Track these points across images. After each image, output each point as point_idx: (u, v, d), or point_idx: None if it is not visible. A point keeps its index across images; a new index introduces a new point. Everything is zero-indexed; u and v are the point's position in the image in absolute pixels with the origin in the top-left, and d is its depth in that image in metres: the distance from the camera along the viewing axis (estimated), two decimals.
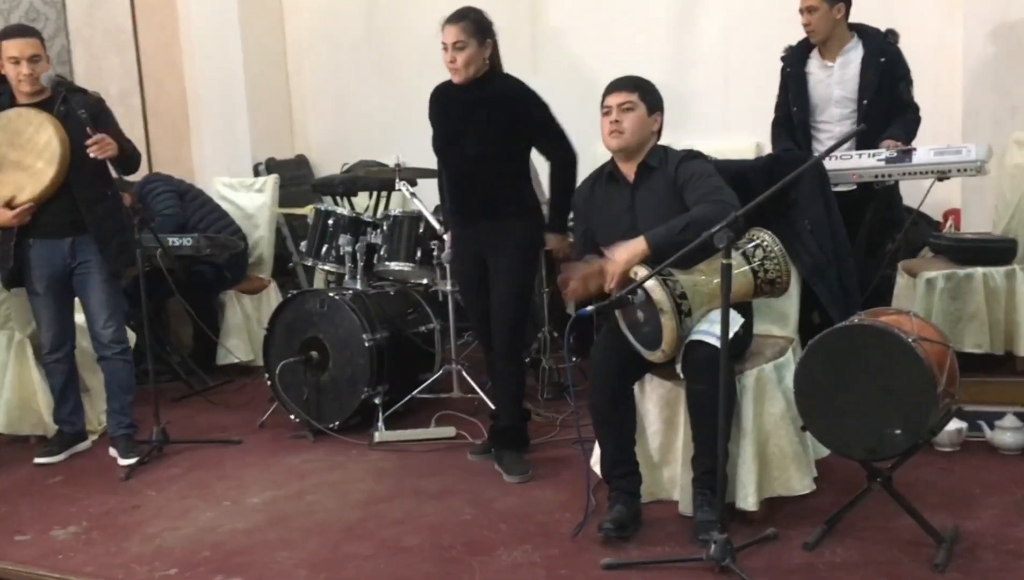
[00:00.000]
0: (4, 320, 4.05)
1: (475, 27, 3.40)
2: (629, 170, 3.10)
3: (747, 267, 2.88)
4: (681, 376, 2.88)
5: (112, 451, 3.87)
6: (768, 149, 4.87)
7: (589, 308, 2.72)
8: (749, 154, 5.20)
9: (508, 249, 3.46)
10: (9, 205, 3.59)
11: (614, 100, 3.05)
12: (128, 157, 3.74)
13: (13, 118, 3.63)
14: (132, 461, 3.75)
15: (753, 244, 2.93)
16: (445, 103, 3.58)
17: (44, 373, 3.98)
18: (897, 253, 4.09)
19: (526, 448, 3.59)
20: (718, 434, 2.61)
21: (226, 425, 4.19)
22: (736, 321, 2.78)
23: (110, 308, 3.76)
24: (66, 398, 3.88)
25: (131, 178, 4.03)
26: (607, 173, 3.17)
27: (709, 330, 2.76)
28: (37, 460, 3.83)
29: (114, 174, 3.78)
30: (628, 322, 2.90)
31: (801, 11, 3.94)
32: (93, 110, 3.64)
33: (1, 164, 3.61)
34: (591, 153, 5.51)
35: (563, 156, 3.55)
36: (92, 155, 3.55)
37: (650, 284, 2.73)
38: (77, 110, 3.57)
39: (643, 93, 3.06)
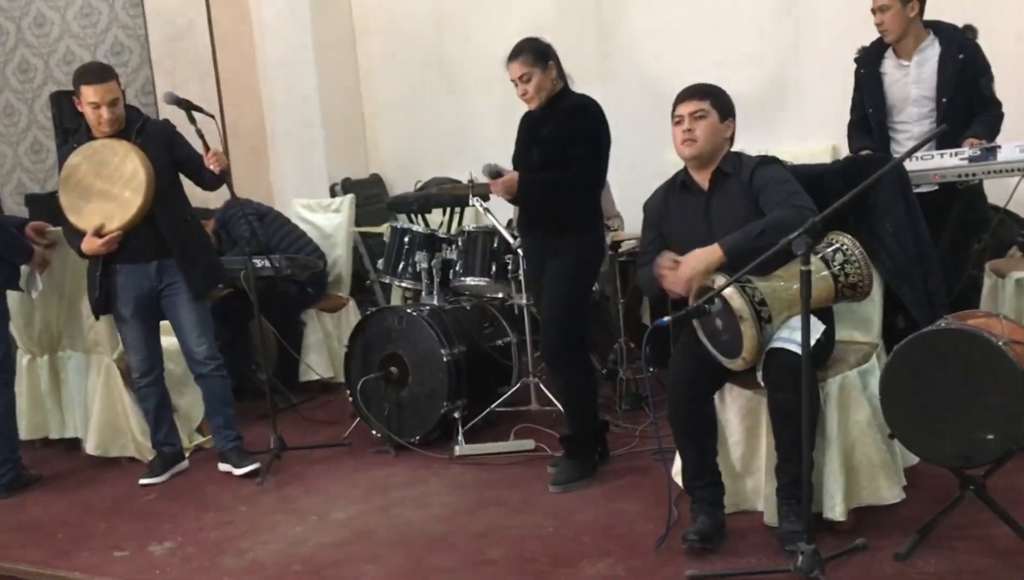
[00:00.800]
0: (92, 345, 4.19)
1: (534, 56, 3.51)
2: (703, 178, 3.08)
3: (827, 272, 2.84)
4: (762, 385, 2.85)
5: (224, 466, 3.97)
6: (845, 151, 4.80)
7: (666, 319, 2.71)
8: (826, 157, 5.11)
9: (563, 256, 3.52)
10: (98, 233, 3.71)
11: (685, 109, 3.04)
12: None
13: (99, 149, 3.75)
14: (248, 469, 3.87)
15: (832, 248, 2.89)
16: (524, 125, 3.70)
17: (134, 397, 4.10)
18: (984, 253, 3.97)
19: (586, 458, 3.58)
20: (802, 443, 2.57)
21: (312, 441, 4.28)
22: (817, 328, 2.75)
23: (200, 326, 3.87)
24: (161, 421, 3.99)
25: (212, 205, 4.17)
26: (680, 182, 3.15)
27: (790, 337, 2.73)
28: (142, 481, 3.94)
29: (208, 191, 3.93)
30: (706, 331, 2.89)
31: (873, 11, 3.86)
32: (168, 136, 3.80)
33: (88, 194, 3.74)
34: (661, 161, 5.52)
35: (584, 177, 3.50)
36: (211, 168, 3.71)
37: (728, 291, 2.71)
38: (155, 137, 3.72)
39: (714, 100, 3.05)
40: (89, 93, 3.67)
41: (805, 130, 5.23)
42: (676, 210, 3.14)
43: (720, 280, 2.76)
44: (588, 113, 3.52)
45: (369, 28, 6.54)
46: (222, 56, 6.24)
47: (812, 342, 2.53)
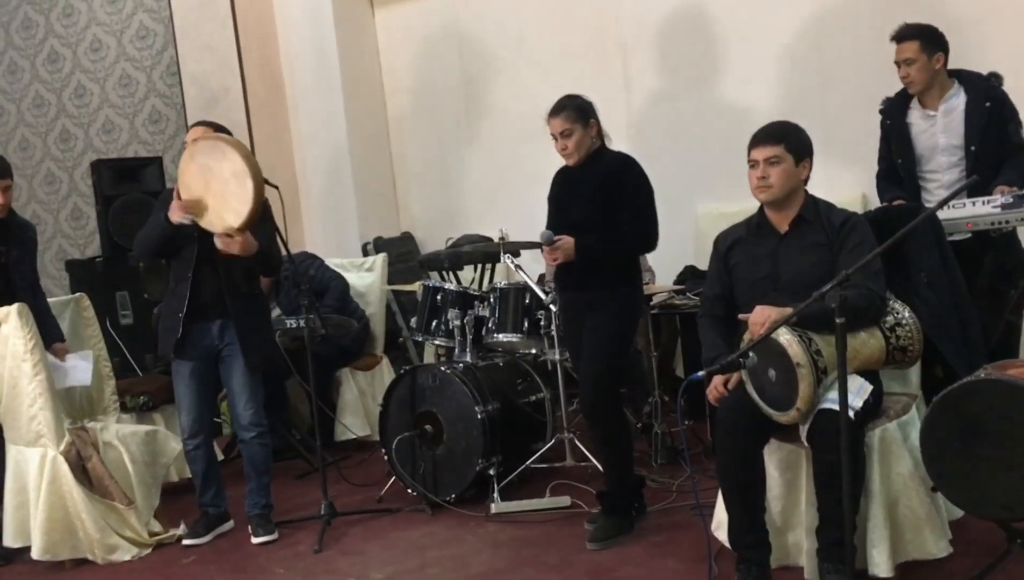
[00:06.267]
0: (35, 437, 3.78)
1: (577, 113, 3.57)
2: (780, 220, 3.07)
3: (879, 334, 2.83)
4: (806, 445, 2.82)
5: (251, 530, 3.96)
6: (875, 200, 4.79)
7: (700, 373, 2.70)
8: (856, 207, 5.12)
9: (605, 310, 3.53)
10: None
11: (760, 154, 3.03)
12: (264, 257, 3.84)
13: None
14: (264, 539, 3.86)
15: None
16: (560, 182, 3.74)
17: (85, 491, 3.75)
18: (1021, 300, 3.93)
19: (624, 514, 3.56)
20: (843, 503, 2.52)
21: (349, 502, 4.28)
22: (866, 388, 2.73)
23: (249, 390, 3.89)
24: (209, 483, 3.99)
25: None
26: (755, 223, 3.14)
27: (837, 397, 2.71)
28: (185, 542, 3.94)
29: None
30: (755, 384, 2.86)
31: (898, 63, 3.88)
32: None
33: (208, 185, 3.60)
34: (691, 214, 5.55)
35: (641, 233, 3.57)
36: (220, 247, 3.68)
37: (786, 339, 2.69)
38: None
39: (789, 144, 3.02)
40: None
41: (833, 180, 5.22)
42: (747, 246, 3.13)
43: (784, 335, 2.72)
44: (634, 170, 3.57)
45: (398, 88, 6.68)
46: (256, 121, 6.39)
47: (861, 402, 2.51)
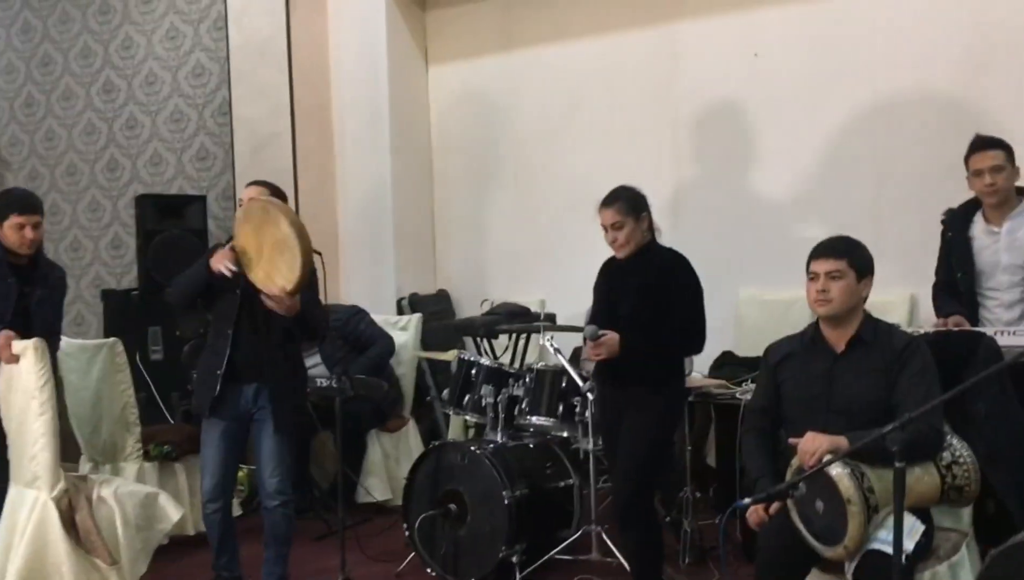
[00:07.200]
0: (32, 478, 3.68)
1: (629, 205, 3.51)
2: (836, 338, 2.97)
3: (934, 471, 2.72)
4: None
5: None
6: (923, 301, 4.68)
7: (746, 500, 2.61)
8: (904, 307, 5.02)
9: (646, 410, 3.46)
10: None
11: (822, 267, 2.94)
12: (305, 321, 3.75)
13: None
14: None
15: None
16: (607, 274, 3.68)
17: (72, 542, 3.63)
18: None
19: None
20: None
21: (366, 573, 4.17)
22: (918, 528, 2.61)
23: (277, 458, 3.79)
24: (224, 547, 3.90)
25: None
26: (809, 337, 3.05)
27: (888, 538, 2.58)
28: None
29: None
30: (802, 514, 2.75)
31: (981, 171, 3.76)
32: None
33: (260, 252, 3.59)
34: (732, 297, 5.44)
35: (688, 336, 3.51)
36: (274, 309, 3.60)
37: (837, 472, 2.59)
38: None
39: (852, 259, 2.95)
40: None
41: (884, 280, 5.09)
42: (799, 362, 3.03)
43: (835, 468, 2.62)
44: (685, 269, 3.50)
45: (448, 147, 6.66)
46: (303, 168, 6.38)
47: (913, 544, 2.40)
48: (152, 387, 5.81)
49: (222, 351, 3.74)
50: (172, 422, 5.66)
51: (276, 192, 3.95)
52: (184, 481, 4.68)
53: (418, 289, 6.46)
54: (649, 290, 3.46)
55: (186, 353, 5.64)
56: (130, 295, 6.19)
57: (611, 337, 3.43)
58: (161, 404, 5.82)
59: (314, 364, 5.04)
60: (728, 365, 5.05)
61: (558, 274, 6.06)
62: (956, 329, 3.58)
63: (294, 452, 4.54)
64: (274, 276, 3.58)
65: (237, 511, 4.10)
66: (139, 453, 4.48)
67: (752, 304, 5.46)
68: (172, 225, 6.06)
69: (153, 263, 5.92)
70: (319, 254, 3.79)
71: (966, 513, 3.01)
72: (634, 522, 3.47)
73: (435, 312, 6.33)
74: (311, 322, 3.84)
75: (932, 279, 4.12)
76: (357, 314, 5.35)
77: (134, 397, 4.58)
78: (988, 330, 3.54)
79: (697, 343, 3.54)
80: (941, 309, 3.89)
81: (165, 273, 5.49)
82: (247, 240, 3.63)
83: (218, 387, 3.73)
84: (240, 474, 4.50)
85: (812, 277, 2.97)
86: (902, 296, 5.01)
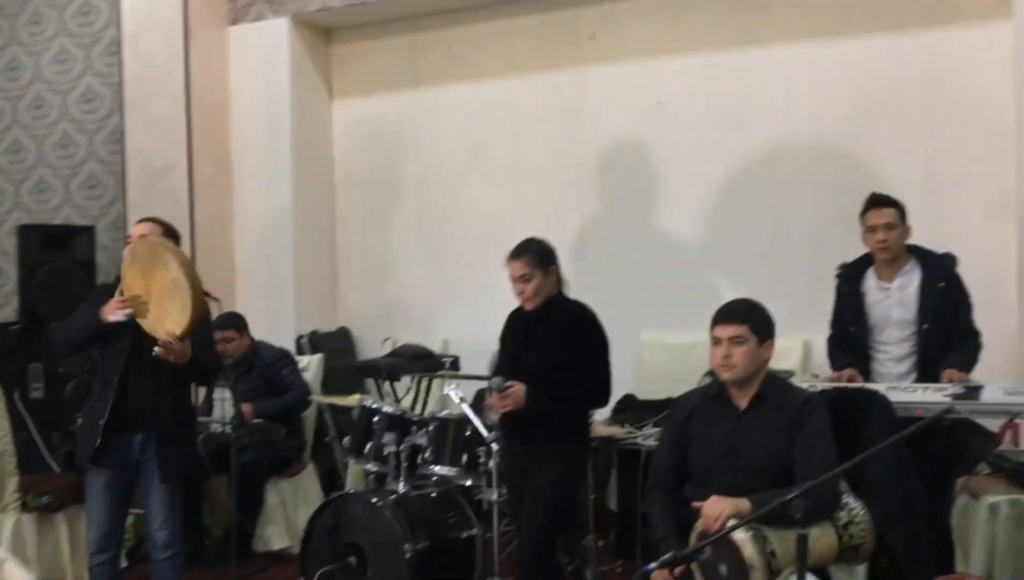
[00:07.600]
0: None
1: (537, 258, 3.52)
2: (740, 397, 3.01)
3: (831, 531, 2.78)
4: None
5: None
6: (816, 348, 4.82)
7: (652, 565, 2.59)
8: (797, 354, 5.16)
9: (550, 467, 3.47)
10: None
11: (723, 333, 2.98)
12: (197, 366, 3.62)
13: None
14: None
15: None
16: (514, 324, 3.68)
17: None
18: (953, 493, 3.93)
19: None
20: None
21: None
22: None
23: (166, 510, 3.64)
24: None
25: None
26: (714, 394, 3.08)
27: None
28: None
29: None
30: (706, 578, 2.76)
31: (874, 227, 3.89)
32: None
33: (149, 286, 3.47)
34: (634, 340, 5.49)
35: (594, 390, 3.56)
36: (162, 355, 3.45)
37: (741, 537, 2.62)
38: None
39: (753, 324, 2.98)
40: None
41: (778, 326, 5.23)
42: (705, 419, 3.05)
43: (739, 531, 2.64)
44: (592, 324, 3.53)
45: (351, 184, 6.57)
46: (200, 200, 6.18)
47: None
48: (32, 428, 5.50)
49: (106, 399, 3.58)
50: (53, 464, 5.37)
51: (169, 231, 3.81)
52: (65, 533, 4.41)
53: (319, 326, 6.33)
54: (555, 343, 3.48)
55: (70, 390, 5.38)
56: (9, 329, 5.85)
57: (518, 389, 3.42)
58: (42, 446, 5.51)
59: (222, 398, 4.88)
60: (630, 408, 5.09)
61: (461, 314, 6.03)
62: (849, 384, 3.69)
63: (183, 501, 4.39)
64: (164, 321, 3.46)
65: (123, 563, 3.89)
66: (16, 504, 4.21)
67: (654, 347, 5.53)
68: (57, 256, 5.77)
69: (36, 296, 5.61)
70: (217, 301, 3.67)
71: (861, 570, 3.09)
72: (538, 576, 3.44)
73: (336, 350, 6.21)
74: (203, 365, 3.71)
75: (825, 325, 4.24)
76: (283, 358, 5.19)
77: (12, 443, 4.31)
78: (880, 385, 3.66)
79: (602, 397, 3.56)
80: (835, 363, 4.01)
81: (49, 307, 5.26)
82: (135, 282, 3.50)
83: (99, 438, 3.56)
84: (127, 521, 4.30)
85: (715, 342, 3.01)
86: (796, 342, 5.15)
